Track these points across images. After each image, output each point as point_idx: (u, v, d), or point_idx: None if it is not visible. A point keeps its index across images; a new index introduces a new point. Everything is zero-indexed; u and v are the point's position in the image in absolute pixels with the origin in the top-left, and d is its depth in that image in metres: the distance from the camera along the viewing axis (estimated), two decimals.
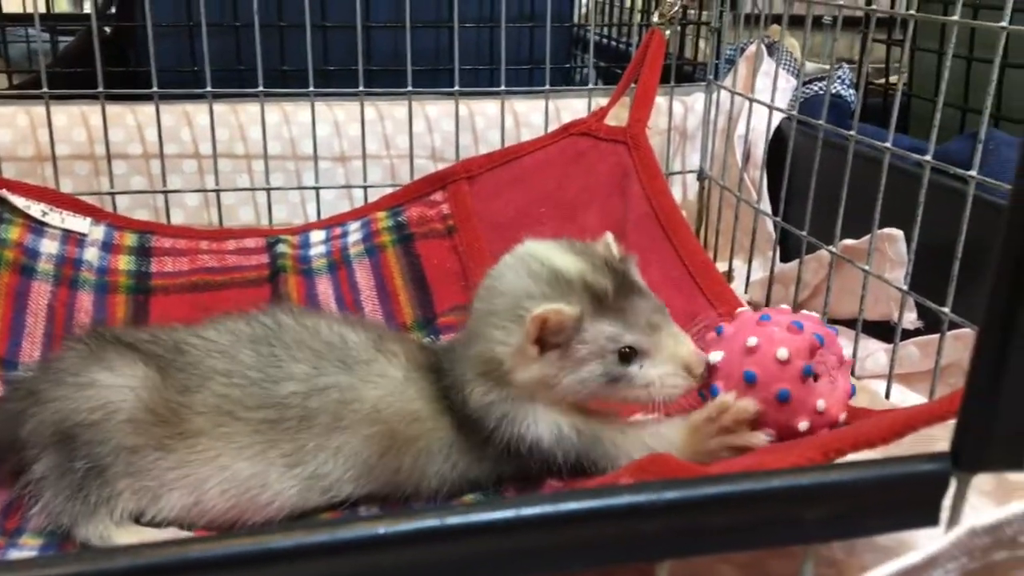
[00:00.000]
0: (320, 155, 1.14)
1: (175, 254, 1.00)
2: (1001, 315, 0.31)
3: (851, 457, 0.51)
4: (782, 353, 0.65)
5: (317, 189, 1.14)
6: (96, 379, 0.67)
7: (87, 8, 1.08)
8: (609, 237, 0.74)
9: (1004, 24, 0.71)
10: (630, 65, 1.16)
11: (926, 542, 0.32)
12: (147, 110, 1.09)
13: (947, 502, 0.33)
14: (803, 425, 0.65)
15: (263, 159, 1.11)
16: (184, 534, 0.68)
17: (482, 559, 0.31)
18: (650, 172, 1.06)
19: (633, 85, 1.11)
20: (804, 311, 0.72)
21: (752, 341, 0.66)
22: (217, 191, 1.11)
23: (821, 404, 0.65)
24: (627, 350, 0.67)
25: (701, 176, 1.26)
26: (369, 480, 0.70)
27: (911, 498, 0.33)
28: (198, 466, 0.67)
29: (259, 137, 1.11)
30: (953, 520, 0.33)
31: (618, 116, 1.14)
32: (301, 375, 0.69)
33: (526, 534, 0.31)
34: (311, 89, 1.09)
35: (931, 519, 0.33)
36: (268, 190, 1.12)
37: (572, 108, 1.23)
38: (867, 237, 0.88)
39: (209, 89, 1.07)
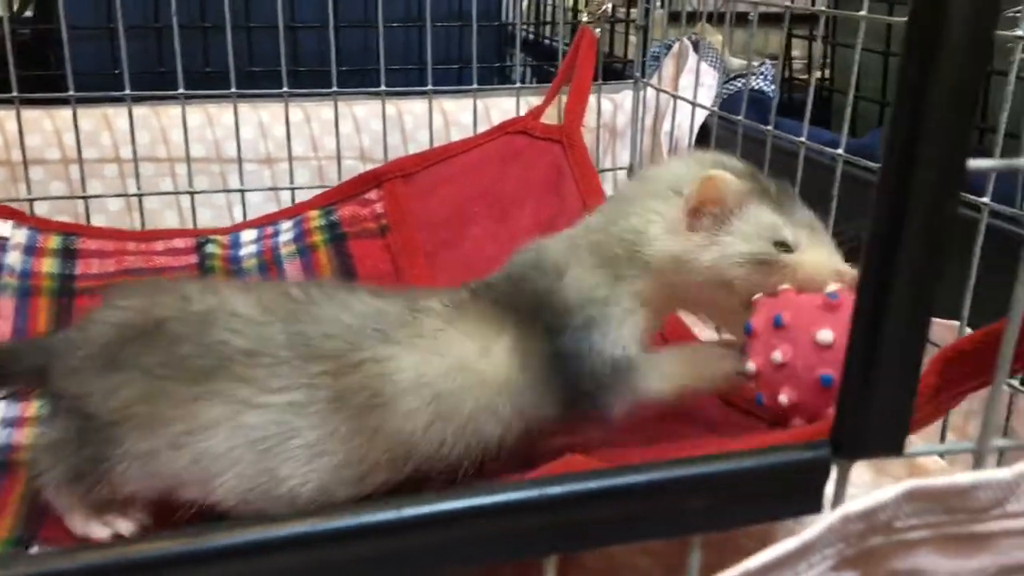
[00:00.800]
0: (245, 157, 1.12)
1: (101, 256, 0.98)
2: (872, 309, 0.31)
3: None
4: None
5: (243, 192, 1.13)
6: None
7: (2, 11, 1.05)
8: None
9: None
10: (563, 64, 1.16)
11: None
12: (65, 114, 1.07)
13: (829, 489, 0.34)
14: None
15: (186, 162, 1.09)
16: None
17: (364, 562, 0.30)
18: (585, 171, 1.07)
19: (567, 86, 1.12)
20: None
21: (826, 336, 0.57)
22: (139, 195, 1.09)
23: None
24: (782, 245, 0.63)
25: (631, 172, 1.26)
26: (406, 465, 0.62)
27: (793, 485, 0.34)
28: (211, 463, 0.60)
29: (181, 140, 1.09)
30: (836, 507, 0.34)
31: (549, 115, 1.14)
32: (334, 352, 0.62)
33: (409, 535, 0.31)
34: (234, 90, 1.08)
35: (814, 506, 0.34)
36: (192, 193, 1.10)
37: (501, 107, 1.23)
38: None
39: (128, 92, 1.05)
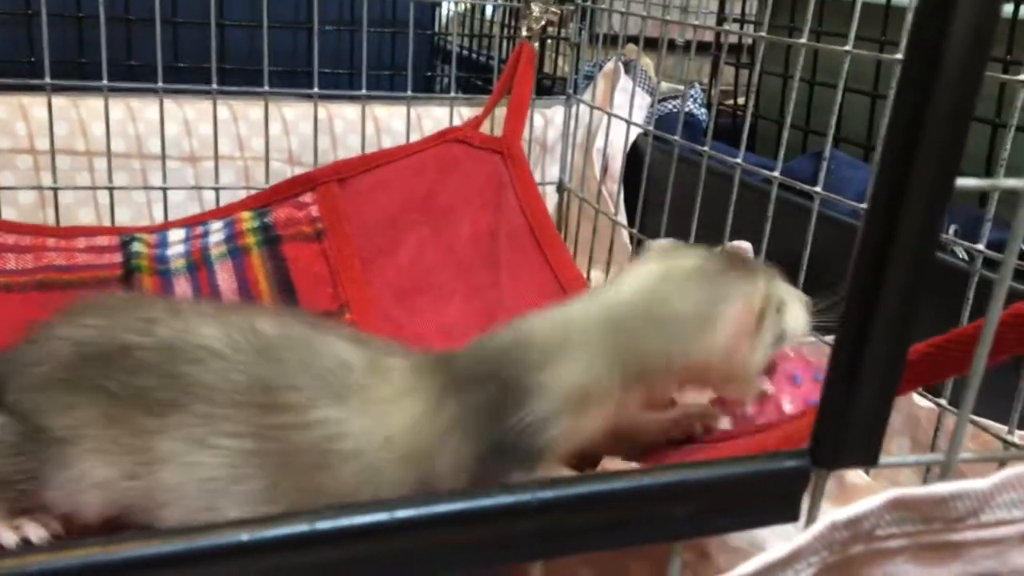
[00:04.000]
0: (168, 154, 1.08)
1: (19, 251, 0.94)
2: (856, 322, 0.32)
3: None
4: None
5: (164, 190, 1.09)
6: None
7: None
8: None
9: (848, 48, 0.75)
10: (502, 77, 1.17)
11: (775, 541, 0.33)
12: None
13: (806, 498, 0.34)
14: None
15: (106, 156, 1.05)
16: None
17: (354, 564, 0.30)
18: (525, 184, 1.07)
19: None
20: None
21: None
22: (55, 189, 1.04)
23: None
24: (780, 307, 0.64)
25: (560, 188, 1.27)
26: None
27: (773, 494, 0.34)
28: (157, 495, 0.60)
29: (102, 133, 1.05)
30: (812, 515, 0.34)
31: (484, 127, 1.15)
32: (294, 405, 0.60)
33: (400, 536, 0.30)
34: (160, 85, 1.04)
35: (791, 515, 0.34)
36: (111, 189, 1.06)
37: (433, 116, 1.23)
38: (718, 249, 0.91)
39: (48, 80, 1.00)
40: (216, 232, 1.01)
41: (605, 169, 1.17)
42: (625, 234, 1.12)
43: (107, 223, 1.07)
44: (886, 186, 0.31)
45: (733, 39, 1.45)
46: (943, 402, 0.65)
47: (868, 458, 0.34)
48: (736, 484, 0.34)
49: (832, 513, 0.31)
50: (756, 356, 0.63)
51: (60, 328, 0.64)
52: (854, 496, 0.72)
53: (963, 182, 0.30)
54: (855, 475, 0.72)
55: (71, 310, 0.66)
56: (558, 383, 0.60)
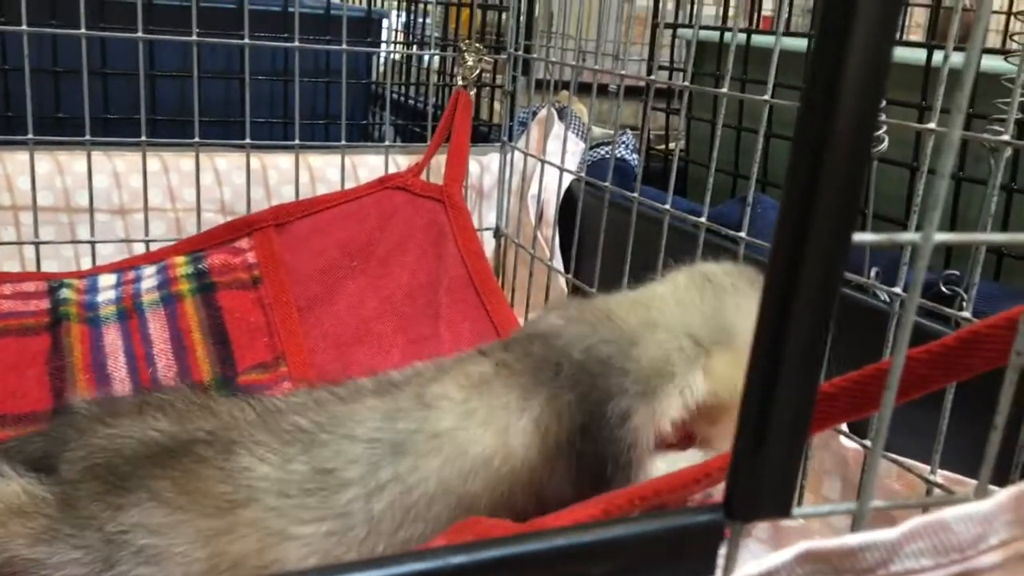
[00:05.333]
0: (97, 207, 1.07)
1: None
2: (761, 373, 0.33)
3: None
4: None
5: (93, 243, 1.07)
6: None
7: None
8: None
9: (767, 98, 0.77)
10: (440, 125, 1.17)
11: None
12: None
13: (722, 551, 0.34)
14: None
15: (32, 211, 1.03)
16: None
17: None
18: (466, 233, 1.07)
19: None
20: None
21: None
22: None
23: None
24: None
25: (497, 234, 1.28)
26: None
27: (689, 548, 0.34)
28: None
29: (27, 187, 1.03)
30: (728, 568, 0.34)
31: (423, 175, 1.15)
32: (357, 477, 0.58)
33: None
34: (88, 138, 1.03)
35: (708, 568, 0.35)
36: (37, 244, 1.04)
37: (369, 164, 1.23)
38: None
39: None
40: (149, 278, 0.99)
41: (540, 215, 1.18)
42: (561, 280, 1.12)
43: None
44: (788, 233, 0.31)
45: (662, 85, 1.48)
46: (869, 444, 0.66)
47: (782, 509, 0.34)
48: (653, 540, 0.34)
49: (745, 568, 0.31)
50: None
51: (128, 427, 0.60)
52: (787, 539, 0.72)
53: (859, 237, 0.31)
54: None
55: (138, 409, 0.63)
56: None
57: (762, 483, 0.34)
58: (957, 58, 0.58)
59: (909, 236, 0.33)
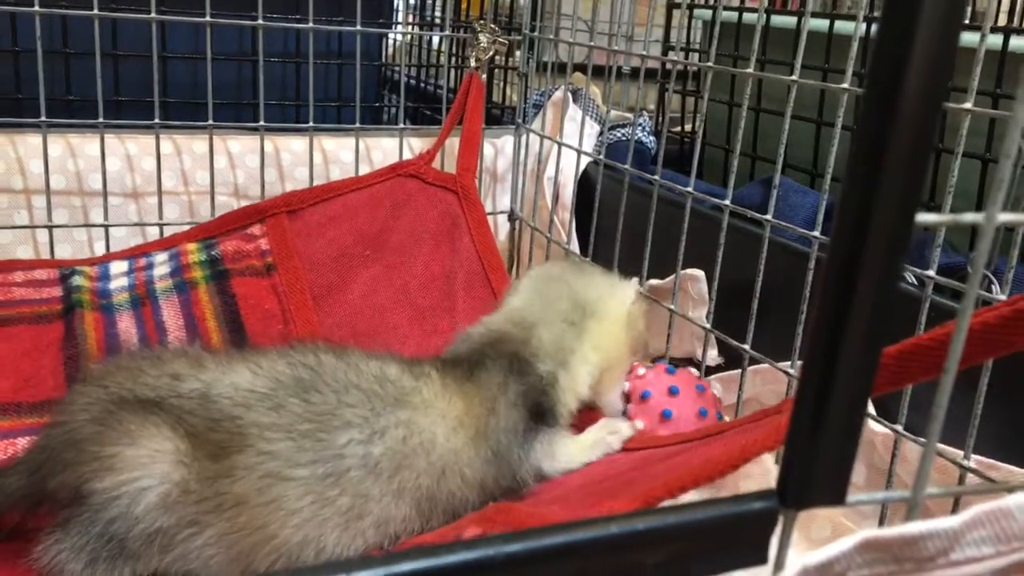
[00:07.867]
0: (110, 191, 1.06)
1: None
2: (820, 361, 0.32)
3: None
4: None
5: (106, 227, 1.06)
6: (119, 457, 0.58)
7: None
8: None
9: (794, 78, 0.76)
10: (452, 108, 1.16)
11: None
12: None
13: (775, 539, 0.34)
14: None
15: (45, 194, 1.02)
16: None
17: None
18: (481, 228, 1.06)
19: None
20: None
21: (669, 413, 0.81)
22: None
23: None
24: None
25: (512, 217, 1.27)
26: (431, 513, 0.67)
27: (742, 536, 0.34)
28: (240, 539, 0.59)
29: (40, 170, 1.02)
30: (780, 556, 0.34)
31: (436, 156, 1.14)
32: (358, 420, 0.64)
33: None
34: (100, 120, 1.02)
35: (760, 557, 0.34)
36: (50, 227, 1.03)
37: (382, 147, 1.22)
38: (671, 277, 0.91)
39: None
40: (161, 264, 0.98)
41: (556, 198, 1.17)
42: None
43: None
44: (849, 221, 0.31)
45: (689, 66, 1.47)
46: (899, 428, 0.65)
47: (836, 496, 0.34)
48: (707, 528, 0.33)
49: (804, 557, 0.30)
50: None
51: (85, 392, 0.64)
52: (811, 524, 0.72)
53: (923, 217, 0.30)
54: None
55: (92, 375, 0.67)
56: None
57: (818, 470, 0.33)
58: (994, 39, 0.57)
59: (972, 216, 0.32)
